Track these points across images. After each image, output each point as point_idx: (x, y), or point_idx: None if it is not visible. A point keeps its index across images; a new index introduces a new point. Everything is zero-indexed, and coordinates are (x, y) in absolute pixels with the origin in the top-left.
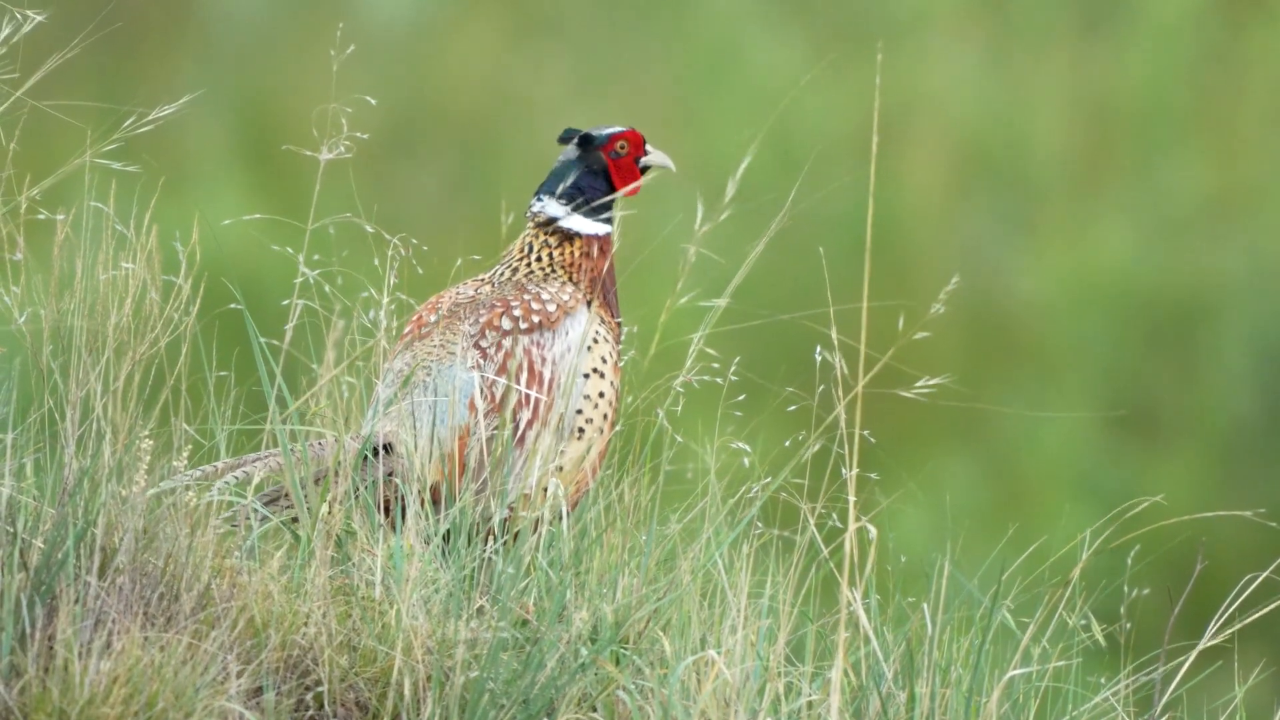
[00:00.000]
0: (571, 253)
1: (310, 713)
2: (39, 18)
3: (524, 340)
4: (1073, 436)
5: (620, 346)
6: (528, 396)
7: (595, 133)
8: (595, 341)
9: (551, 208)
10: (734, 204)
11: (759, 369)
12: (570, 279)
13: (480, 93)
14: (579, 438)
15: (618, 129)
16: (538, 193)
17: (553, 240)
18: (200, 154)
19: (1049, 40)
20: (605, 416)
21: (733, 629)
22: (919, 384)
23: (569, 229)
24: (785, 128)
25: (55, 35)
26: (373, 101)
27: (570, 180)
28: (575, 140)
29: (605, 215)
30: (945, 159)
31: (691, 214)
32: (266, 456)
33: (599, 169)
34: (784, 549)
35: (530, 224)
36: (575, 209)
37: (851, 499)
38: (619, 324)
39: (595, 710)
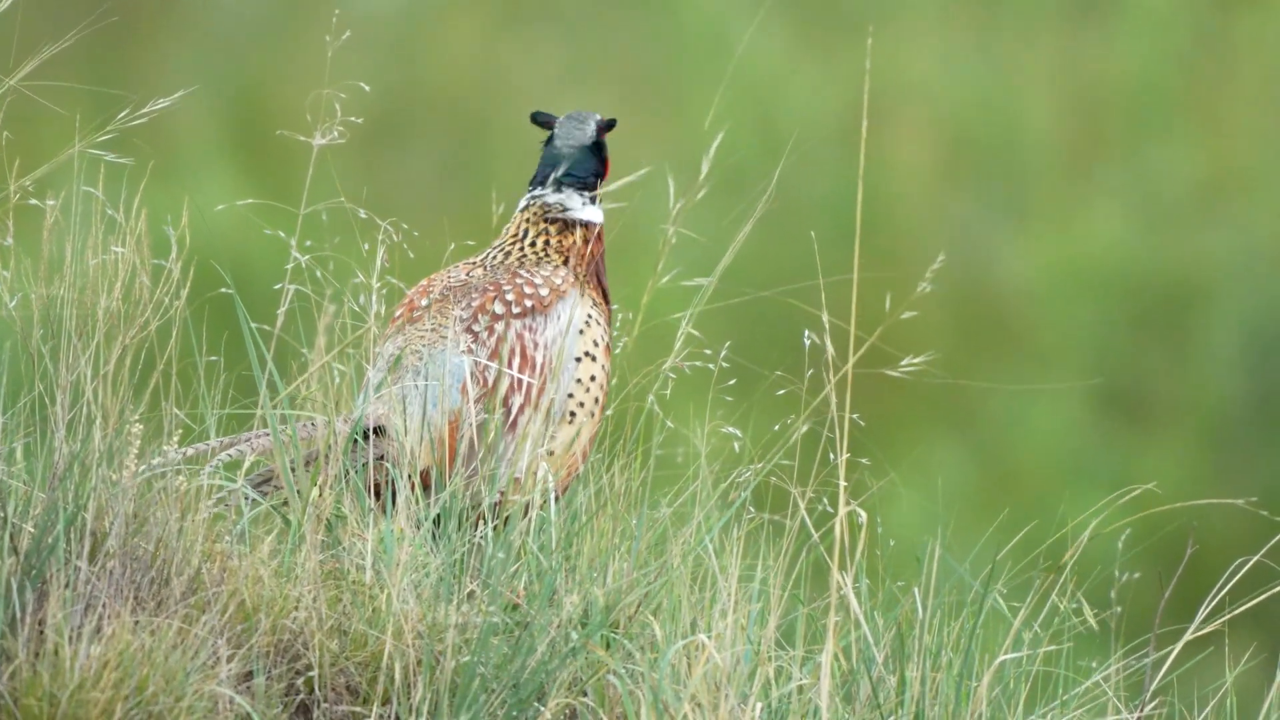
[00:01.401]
0: (573, 240)
1: (301, 697)
2: None
3: (516, 325)
4: (1063, 420)
5: (615, 331)
6: (520, 381)
7: (607, 119)
8: (587, 325)
9: (570, 199)
10: (710, 181)
11: (748, 353)
12: (565, 262)
13: (470, 78)
14: (570, 421)
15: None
16: (551, 180)
17: (553, 228)
18: (190, 140)
19: (1038, 24)
20: (596, 400)
21: (723, 613)
22: (904, 362)
23: (578, 218)
24: (771, 111)
25: (48, 24)
26: (367, 88)
27: (586, 166)
28: (598, 127)
29: (598, 201)
30: (933, 143)
31: (669, 195)
32: (257, 436)
33: (602, 156)
34: (774, 533)
35: (529, 209)
36: (591, 199)
37: (842, 483)
38: (609, 309)
39: (585, 694)
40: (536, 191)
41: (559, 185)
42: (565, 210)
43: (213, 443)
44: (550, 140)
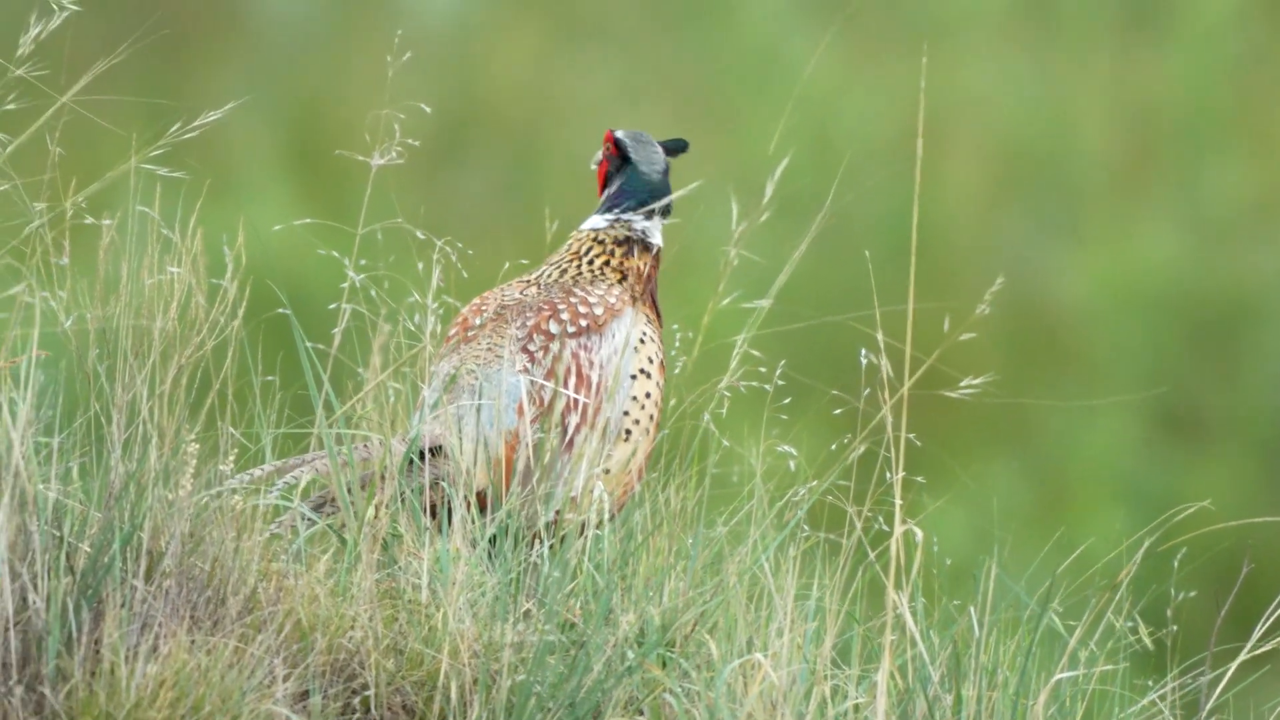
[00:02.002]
0: (635, 263)
1: (357, 716)
2: (68, 10)
3: (571, 344)
4: (1117, 440)
5: (672, 351)
6: (576, 400)
7: (675, 140)
8: (642, 342)
9: (655, 227)
10: (772, 205)
11: (804, 372)
12: (621, 280)
13: (524, 96)
14: (626, 439)
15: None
16: (654, 211)
17: (619, 249)
18: (245, 159)
19: (1092, 43)
20: (651, 418)
21: (779, 632)
22: (963, 384)
23: (653, 243)
24: (826, 130)
25: (102, 41)
26: (428, 109)
27: (665, 198)
28: (669, 152)
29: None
30: (988, 162)
31: (730, 216)
32: (313, 459)
33: (668, 181)
34: (830, 552)
35: (609, 230)
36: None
37: (898, 502)
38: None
39: (642, 714)
40: (625, 216)
41: (651, 214)
42: (645, 236)
43: (276, 464)
44: (627, 161)
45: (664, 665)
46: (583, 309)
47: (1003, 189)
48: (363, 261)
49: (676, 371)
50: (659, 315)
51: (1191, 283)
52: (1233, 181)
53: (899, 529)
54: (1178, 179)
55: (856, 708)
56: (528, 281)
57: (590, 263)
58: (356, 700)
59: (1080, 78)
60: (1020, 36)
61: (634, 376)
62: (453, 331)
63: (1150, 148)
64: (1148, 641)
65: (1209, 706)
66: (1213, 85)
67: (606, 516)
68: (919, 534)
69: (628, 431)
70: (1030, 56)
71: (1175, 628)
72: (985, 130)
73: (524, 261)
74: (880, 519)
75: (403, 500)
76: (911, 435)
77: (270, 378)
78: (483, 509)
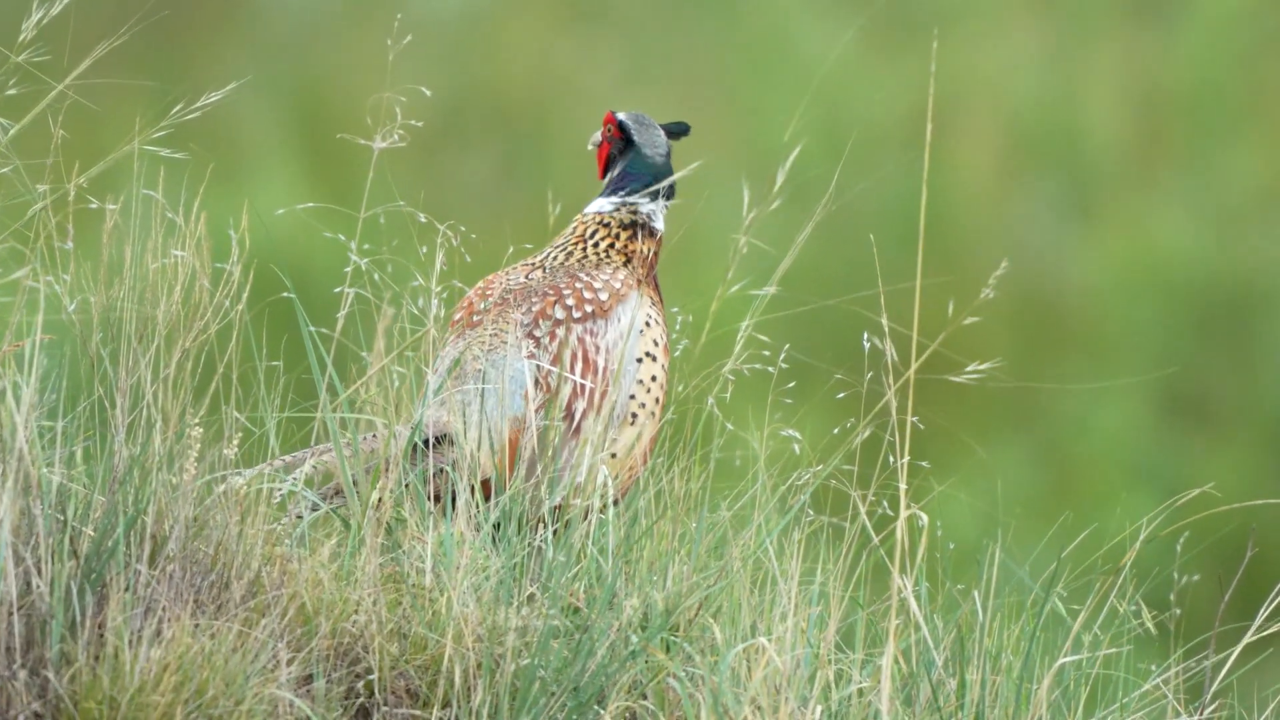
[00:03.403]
0: (638, 247)
1: (361, 700)
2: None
3: (577, 329)
4: (1125, 424)
5: (674, 334)
6: (582, 386)
7: (678, 123)
8: (647, 325)
9: (659, 211)
10: (784, 192)
11: (808, 356)
12: (626, 263)
13: (529, 80)
14: (631, 423)
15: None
16: (659, 194)
17: (624, 233)
18: (249, 142)
19: (1103, 26)
20: (657, 401)
21: (783, 616)
22: (969, 369)
23: (657, 227)
24: (835, 114)
25: (105, 23)
26: (428, 93)
27: (668, 181)
28: (671, 135)
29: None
30: (997, 146)
31: (739, 202)
32: (319, 452)
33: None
34: (834, 536)
35: (613, 214)
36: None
37: (902, 486)
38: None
39: (645, 697)
40: (631, 199)
41: (656, 197)
42: (650, 220)
43: (281, 459)
44: (630, 144)
45: (668, 649)
46: (588, 294)
47: (1013, 173)
48: (366, 245)
49: (678, 354)
50: (661, 299)
51: (1201, 268)
52: (1243, 166)
53: (903, 513)
54: (1188, 164)
55: (861, 692)
56: (532, 265)
57: (595, 246)
58: (360, 684)
59: (1090, 61)
60: (1030, 20)
61: (639, 360)
62: (457, 316)
63: (1160, 132)
64: (1151, 625)
65: (1213, 690)
66: (1223, 69)
67: (611, 500)
68: (923, 518)
69: (633, 415)
70: (1040, 40)
71: (1179, 611)
72: (995, 114)
73: (528, 245)
74: (884, 503)
75: (407, 486)
76: (915, 419)
77: (274, 362)
78: (487, 495)
